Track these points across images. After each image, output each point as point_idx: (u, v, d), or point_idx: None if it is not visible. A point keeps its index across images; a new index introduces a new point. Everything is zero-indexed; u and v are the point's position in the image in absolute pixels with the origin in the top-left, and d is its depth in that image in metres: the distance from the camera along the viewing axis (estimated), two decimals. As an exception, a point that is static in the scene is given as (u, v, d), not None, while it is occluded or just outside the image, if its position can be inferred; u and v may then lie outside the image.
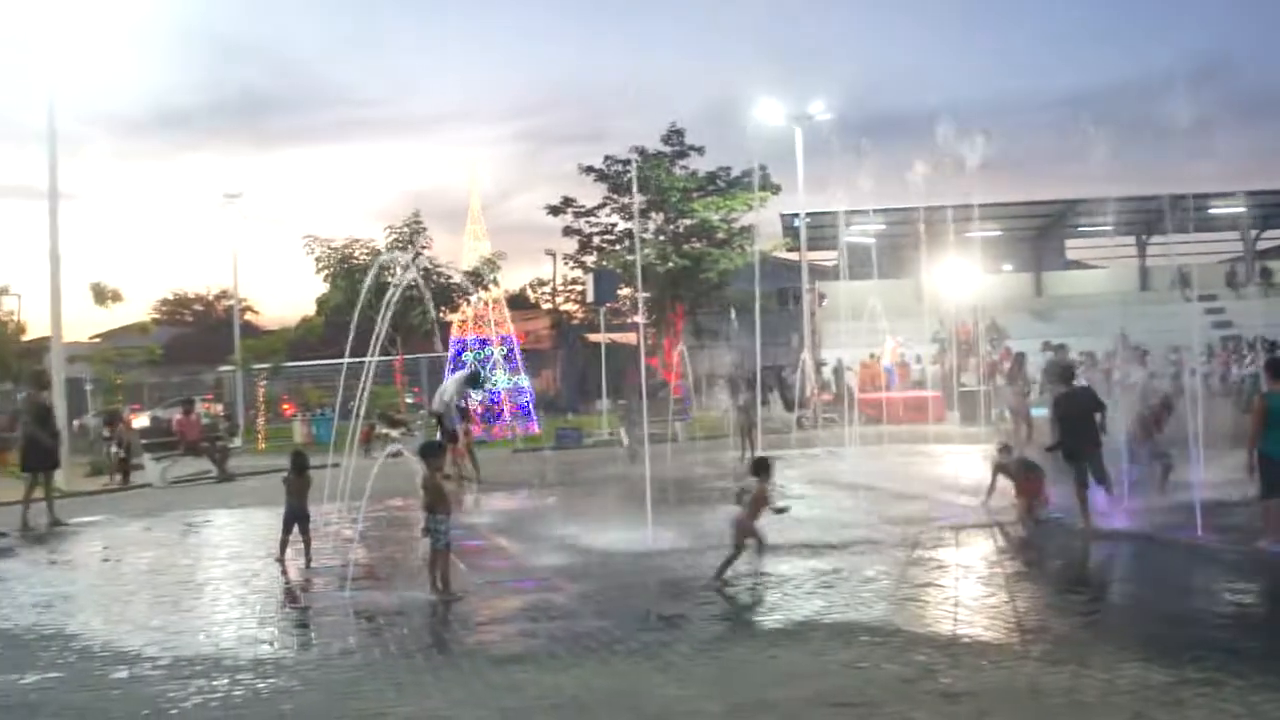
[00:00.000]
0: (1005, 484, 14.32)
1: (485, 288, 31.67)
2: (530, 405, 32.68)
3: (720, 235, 38.67)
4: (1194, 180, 27.62)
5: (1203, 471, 14.30)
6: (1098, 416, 13.76)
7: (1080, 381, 16.07)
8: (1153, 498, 14.26)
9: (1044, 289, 50.71)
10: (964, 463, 18.83)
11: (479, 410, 27.61)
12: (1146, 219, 46.47)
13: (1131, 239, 51.37)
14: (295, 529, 12.31)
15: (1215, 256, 53.66)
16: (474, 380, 22.08)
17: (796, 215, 38.12)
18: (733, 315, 31.57)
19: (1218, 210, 46.17)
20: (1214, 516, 12.65)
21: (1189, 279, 45.09)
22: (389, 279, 26.10)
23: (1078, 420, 13.61)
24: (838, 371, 33.32)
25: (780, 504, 11.29)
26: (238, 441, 32.03)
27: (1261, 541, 11.32)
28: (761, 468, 10.97)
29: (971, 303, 34.25)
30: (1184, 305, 40.55)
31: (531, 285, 60.71)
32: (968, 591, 10.07)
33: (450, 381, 21.30)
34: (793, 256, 41.82)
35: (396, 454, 12.31)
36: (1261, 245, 53.56)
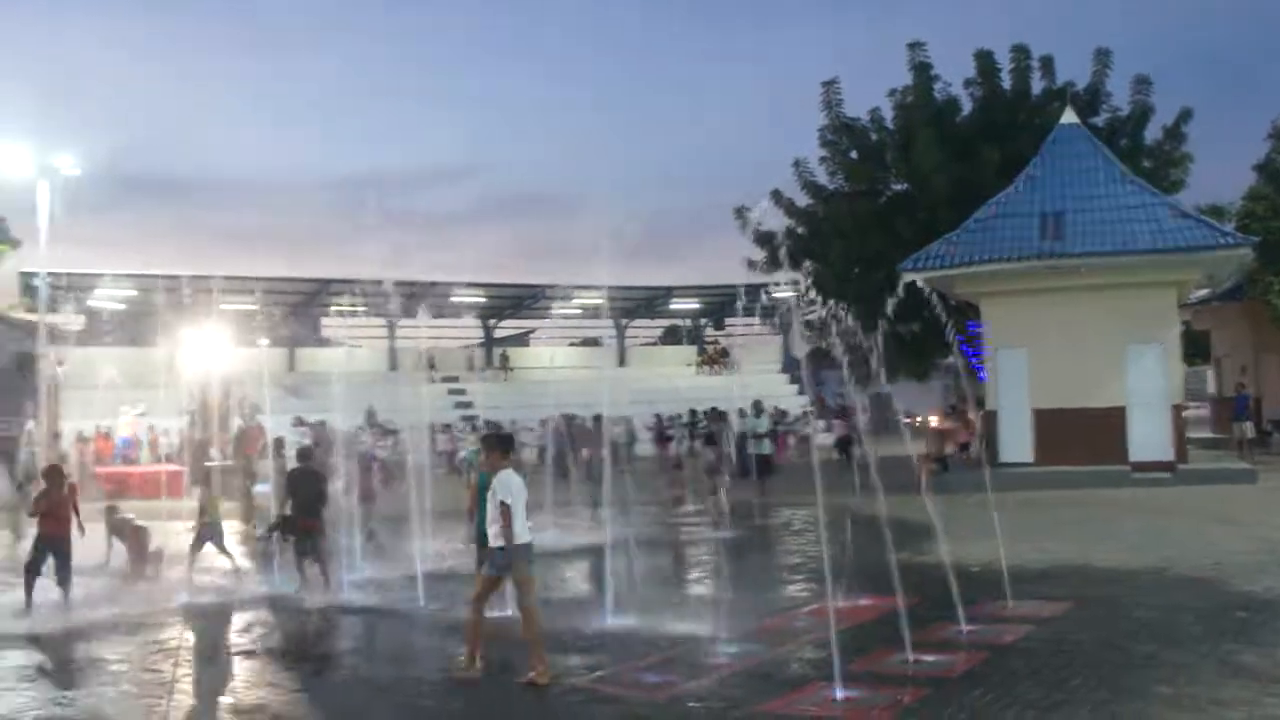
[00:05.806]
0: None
1: None
2: None
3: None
4: (445, 269, 29.94)
5: (431, 543, 15.50)
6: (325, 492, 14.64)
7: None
8: (382, 569, 15.16)
9: (298, 364, 51.36)
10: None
11: None
12: (398, 302, 49.02)
13: (383, 320, 53.88)
14: None
15: (458, 341, 58.22)
16: None
17: (37, 274, 35.19)
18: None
19: (460, 298, 50.15)
20: (437, 585, 13.68)
21: (434, 361, 48.51)
22: None
23: (302, 498, 14.34)
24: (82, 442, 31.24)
25: None
26: None
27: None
28: None
29: (224, 375, 33.80)
30: (430, 385, 43.47)
31: None
32: (186, 674, 10.07)
33: None
34: (34, 317, 38.44)
35: None
36: (499, 333, 59.02)
